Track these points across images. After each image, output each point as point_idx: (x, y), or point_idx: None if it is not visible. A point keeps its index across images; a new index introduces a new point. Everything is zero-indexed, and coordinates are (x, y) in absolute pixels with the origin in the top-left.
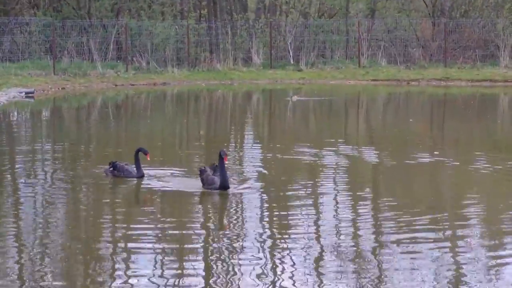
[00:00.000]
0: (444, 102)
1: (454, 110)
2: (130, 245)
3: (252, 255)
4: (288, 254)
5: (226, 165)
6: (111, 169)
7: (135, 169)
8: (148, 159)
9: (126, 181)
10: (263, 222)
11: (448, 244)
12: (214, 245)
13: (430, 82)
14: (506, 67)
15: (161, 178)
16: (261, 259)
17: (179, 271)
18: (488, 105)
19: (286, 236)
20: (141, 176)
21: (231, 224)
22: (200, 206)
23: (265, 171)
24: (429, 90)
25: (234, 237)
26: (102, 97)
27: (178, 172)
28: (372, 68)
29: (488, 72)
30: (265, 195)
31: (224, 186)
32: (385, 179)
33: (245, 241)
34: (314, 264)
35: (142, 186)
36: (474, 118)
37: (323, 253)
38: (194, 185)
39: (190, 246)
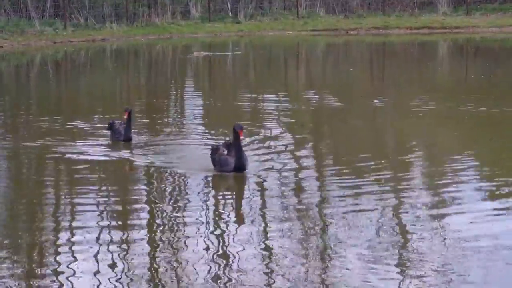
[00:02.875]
0: (383, 50)
1: (394, 58)
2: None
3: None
4: (231, 211)
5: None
6: (109, 130)
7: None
8: (125, 117)
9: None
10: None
11: (391, 190)
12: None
13: (369, 31)
14: (444, 14)
15: (166, 154)
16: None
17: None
18: (427, 52)
19: (230, 194)
20: (127, 139)
21: (170, 187)
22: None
23: (208, 120)
24: (368, 39)
25: (178, 198)
26: (41, 55)
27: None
28: (310, 18)
29: (427, 19)
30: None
31: (240, 167)
32: (327, 126)
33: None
34: (258, 220)
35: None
36: (414, 65)
37: (268, 208)
38: (201, 164)
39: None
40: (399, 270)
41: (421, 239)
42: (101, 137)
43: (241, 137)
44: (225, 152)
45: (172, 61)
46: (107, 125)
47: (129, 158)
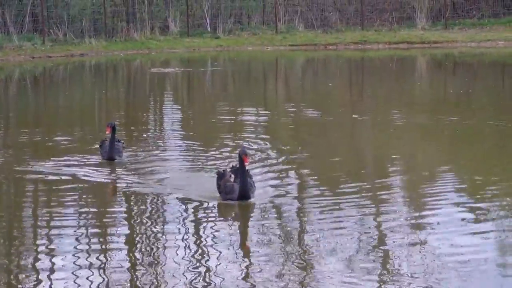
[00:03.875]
0: (362, 65)
1: (373, 73)
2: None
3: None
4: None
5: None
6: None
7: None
8: (107, 132)
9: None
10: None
11: (371, 205)
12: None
13: (348, 46)
14: (422, 29)
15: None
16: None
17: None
18: (406, 67)
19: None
20: (109, 158)
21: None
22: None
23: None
24: (347, 53)
25: (155, 213)
26: (19, 70)
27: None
28: (289, 33)
29: (405, 34)
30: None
31: (243, 196)
32: (307, 140)
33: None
34: (238, 236)
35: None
36: (393, 80)
37: (247, 223)
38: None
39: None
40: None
41: (402, 255)
42: (81, 154)
43: (246, 163)
44: (232, 178)
45: (146, 77)
46: (99, 144)
47: (109, 180)
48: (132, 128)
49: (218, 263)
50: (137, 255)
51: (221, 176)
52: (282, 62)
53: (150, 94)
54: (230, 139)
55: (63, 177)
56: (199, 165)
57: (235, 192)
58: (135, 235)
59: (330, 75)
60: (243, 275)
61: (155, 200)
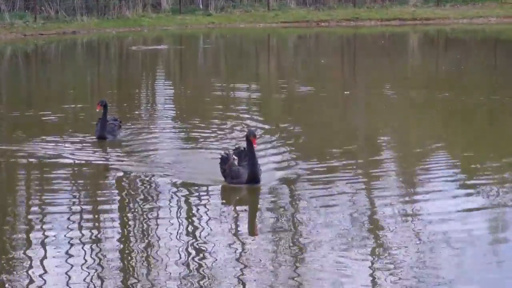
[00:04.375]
0: (354, 42)
1: (365, 50)
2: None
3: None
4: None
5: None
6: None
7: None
8: (98, 109)
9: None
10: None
11: (363, 179)
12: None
13: (340, 23)
14: (414, 6)
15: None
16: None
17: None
18: (398, 44)
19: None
20: (100, 137)
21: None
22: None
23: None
24: (339, 30)
25: (142, 184)
26: (11, 48)
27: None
28: (281, 10)
29: (397, 11)
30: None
31: (254, 179)
32: (300, 114)
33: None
34: (230, 214)
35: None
36: (385, 57)
37: (252, 207)
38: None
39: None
40: (372, 264)
41: (395, 233)
42: (72, 132)
43: (255, 146)
44: (236, 161)
45: (130, 55)
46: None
47: (98, 159)
48: (125, 105)
49: (216, 246)
50: (132, 239)
51: (225, 160)
52: (274, 39)
53: (142, 72)
54: (225, 117)
55: (51, 155)
56: (195, 144)
57: (242, 176)
58: (131, 218)
59: (322, 52)
60: (239, 258)
61: (150, 182)
